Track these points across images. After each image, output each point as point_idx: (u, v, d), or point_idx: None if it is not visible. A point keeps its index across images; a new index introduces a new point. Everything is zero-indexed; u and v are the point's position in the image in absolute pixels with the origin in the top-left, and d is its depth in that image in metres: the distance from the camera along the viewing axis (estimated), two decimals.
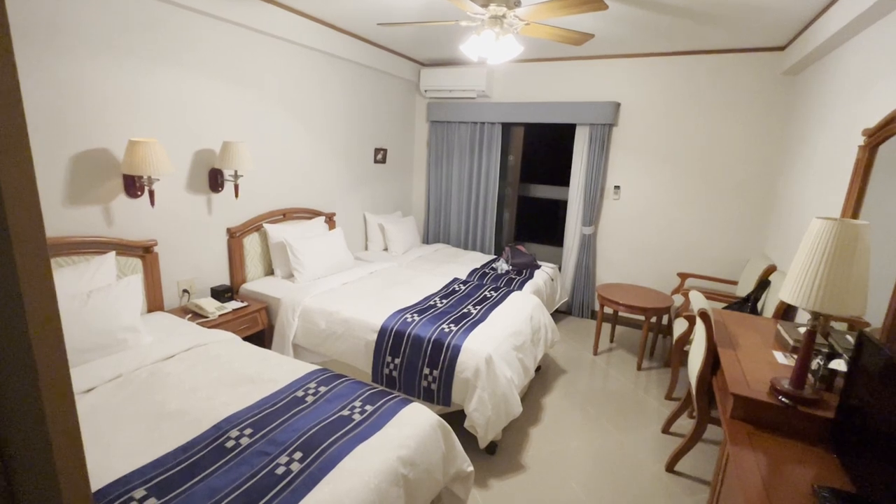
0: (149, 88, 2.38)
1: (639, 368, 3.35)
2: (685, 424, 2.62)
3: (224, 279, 2.98)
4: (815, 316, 1.40)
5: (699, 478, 2.23)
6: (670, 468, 2.28)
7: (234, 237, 2.96)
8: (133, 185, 2.36)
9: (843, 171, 2.20)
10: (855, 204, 1.99)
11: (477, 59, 2.62)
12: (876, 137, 1.88)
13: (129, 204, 2.38)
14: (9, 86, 0.44)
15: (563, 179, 4.37)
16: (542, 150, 5.41)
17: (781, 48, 3.27)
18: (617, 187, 4.08)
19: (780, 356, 1.81)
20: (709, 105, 3.63)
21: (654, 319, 3.35)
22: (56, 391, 0.53)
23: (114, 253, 2.25)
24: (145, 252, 2.43)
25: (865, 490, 1.15)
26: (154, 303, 2.50)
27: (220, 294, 2.76)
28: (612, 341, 3.82)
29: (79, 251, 2.15)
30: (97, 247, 2.22)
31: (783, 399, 1.46)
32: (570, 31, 2.47)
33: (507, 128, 4.57)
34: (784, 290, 1.43)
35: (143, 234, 2.45)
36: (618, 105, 3.91)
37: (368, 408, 1.70)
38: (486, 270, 3.81)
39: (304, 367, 1.99)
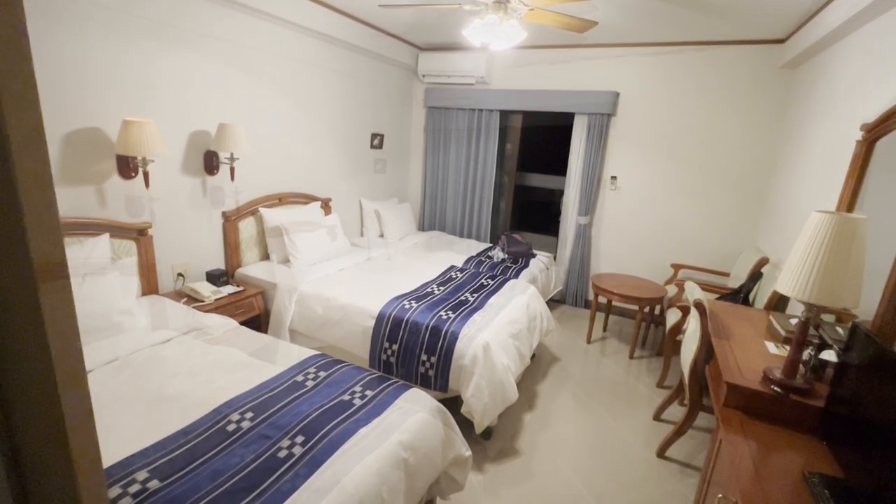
0: (143, 68, 2.31)
1: (631, 357, 3.40)
2: (675, 412, 2.67)
3: (219, 263, 2.95)
4: (809, 307, 1.43)
5: (688, 463, 2.30)
6: (661, 454, 2.33)
7: (230, 221, 2.93)
8: (127, 166, 2.31)
9: (839, 166, 2.22)
10: (850, 198, 2.01)
11: (479, 44, 2.59)
12: (874, 133, 1.90)
13: (123, 185, 2.33)
14: (26, 78, 0.43)
15: (560, 169, 4.37)
16: (540, 139, 5.39)
17: (781, 41, 3.27)
18: (614, 178, 4.09)
19: (771, 346, 1.84)
20: (707, 97, 3.63)
21: (647, 309, 3.40)
22: (70, 372, 0.53)
23: (107, 235, 2.21)
24: (139, 234, 2.39)
25: (853, 476, 1.19)
26: (149, 286, 2.47)
27: (215, 278, 2.74)
28: (605, 330, 3.87)
29: (71, 232, 2.10)
30: (90, 228, 2.18)
31: (775, 388, 1.49)
32: (574, 18, 2.44)
33: (505, 115, 4.53)
34: (780, 282, 1.45)
35: (138, 217, 2.41)
36: (617, 95, 3.90)
37: (369, 393, 1.71)
38: (482, 258, 3.82)
39: (302, 352, 1.99)
